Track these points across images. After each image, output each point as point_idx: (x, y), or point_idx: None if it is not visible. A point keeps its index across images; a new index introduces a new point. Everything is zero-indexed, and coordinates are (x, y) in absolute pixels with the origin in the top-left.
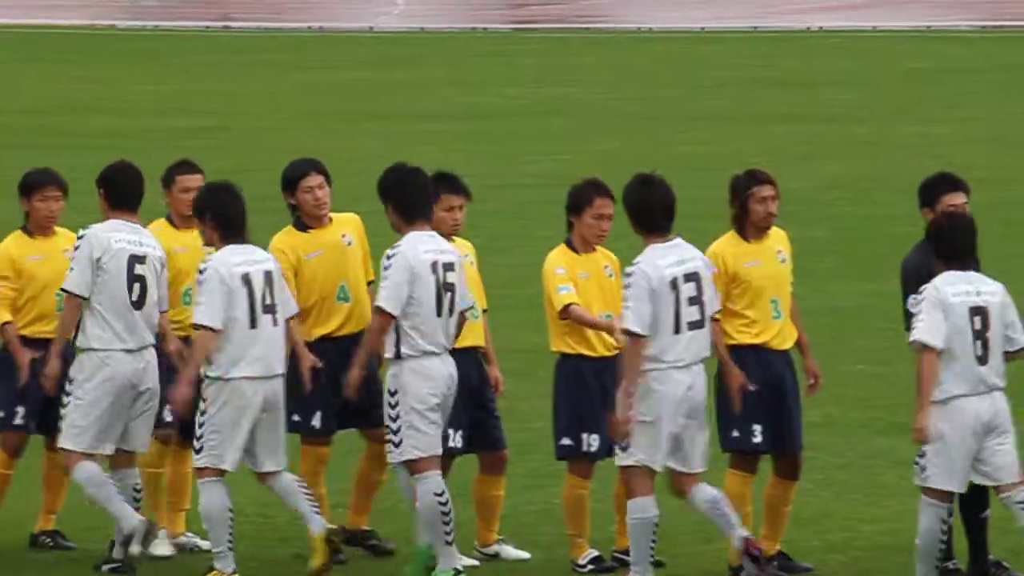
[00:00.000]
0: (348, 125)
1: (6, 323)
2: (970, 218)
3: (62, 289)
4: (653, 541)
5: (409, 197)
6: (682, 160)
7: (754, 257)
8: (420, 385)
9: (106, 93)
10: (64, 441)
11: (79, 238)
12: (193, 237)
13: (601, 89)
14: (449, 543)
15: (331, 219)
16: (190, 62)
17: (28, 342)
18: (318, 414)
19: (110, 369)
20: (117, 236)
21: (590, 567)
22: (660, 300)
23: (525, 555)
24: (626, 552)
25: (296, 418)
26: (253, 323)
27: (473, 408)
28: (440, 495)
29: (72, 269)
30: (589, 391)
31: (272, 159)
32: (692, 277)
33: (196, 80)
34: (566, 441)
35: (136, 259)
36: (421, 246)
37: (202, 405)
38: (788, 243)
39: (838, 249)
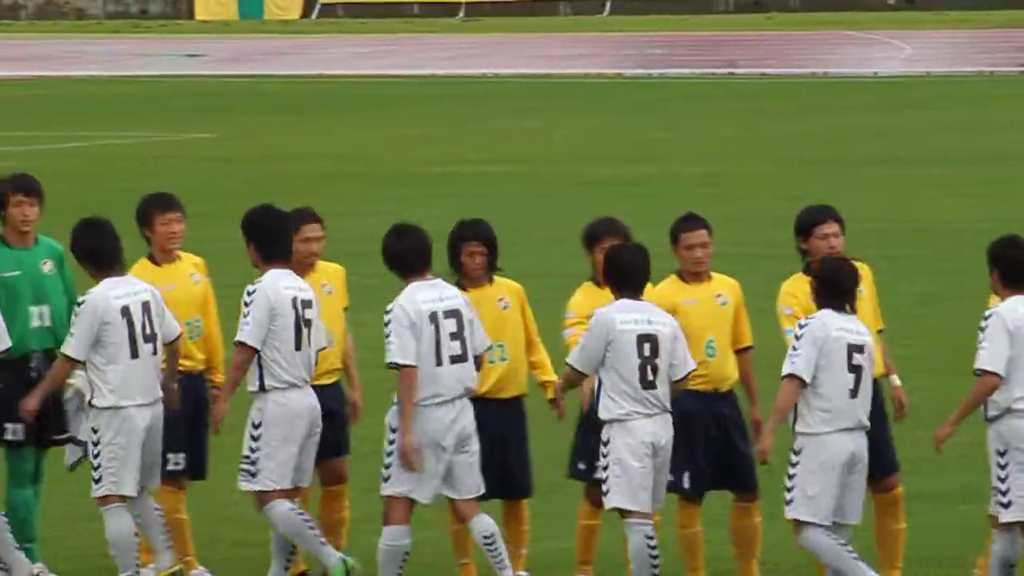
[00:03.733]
0: (847, 171)
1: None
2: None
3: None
4: (400, 569)
5: (269, 237)
6: None
7: None
8: (283, 417)
9: (613, 140)
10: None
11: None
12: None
13: None
14: (324, 543)
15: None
16: (694, 109)
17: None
18: None
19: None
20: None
21: None
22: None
23: None
24: None
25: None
26: (135, 353)
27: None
28: (292, 508)
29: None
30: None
31: (775, 206)
32: (452, 314)
33: (700, 127)
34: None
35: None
36: (281, 282)
37: (94, 436)
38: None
39: None
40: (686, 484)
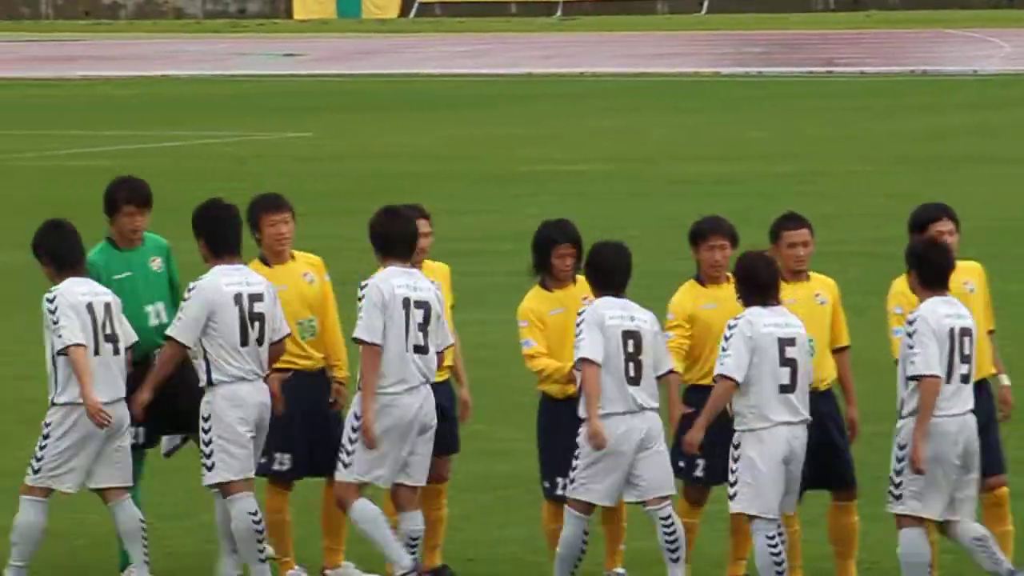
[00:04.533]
0: (947, 169)
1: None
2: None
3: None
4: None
5: (219, 232)
6: None
7: None
8: (231, 411)
9: (711, 139)
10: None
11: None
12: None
13: None
14: (263, 560)
15: None
16: (792, 107)
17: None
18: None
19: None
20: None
21: None
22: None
23: None
24: None
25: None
26: (96, 351)
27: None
28: (254, 514)
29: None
30: None
31: (874, 204)
32: (422, 304)
33: (798, 126)
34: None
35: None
36: (224, 279)
37: (46, 429)
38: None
39: None
40: None
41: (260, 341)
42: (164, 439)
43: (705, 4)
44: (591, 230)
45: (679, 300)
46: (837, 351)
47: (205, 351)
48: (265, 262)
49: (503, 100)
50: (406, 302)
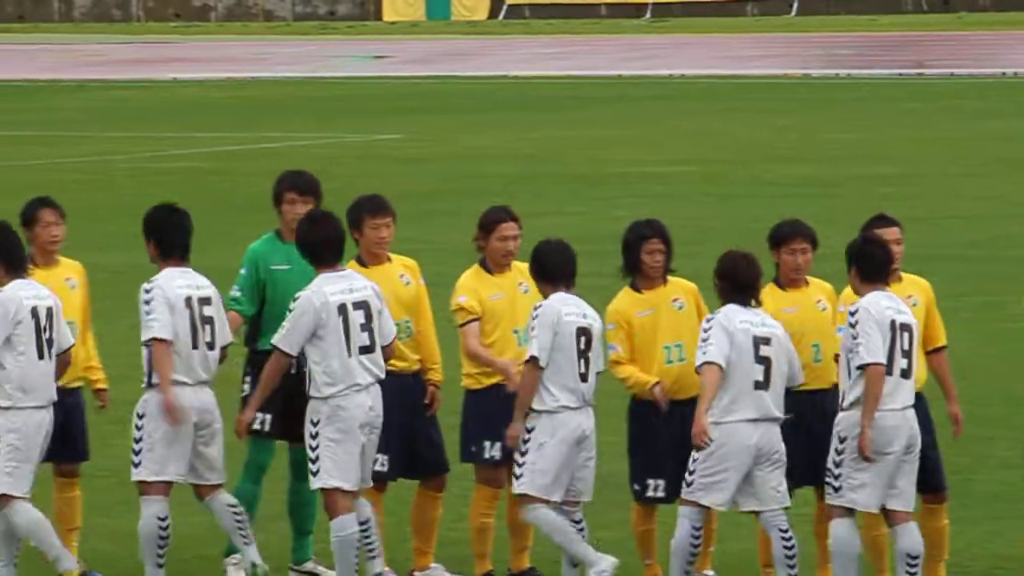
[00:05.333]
0: None
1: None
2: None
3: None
4: (358, 555)
5: (169, 235)
6: None
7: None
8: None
9: (800, 141)
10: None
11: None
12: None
13: None
14: (160, 566)
15: None
16: (881, 109)
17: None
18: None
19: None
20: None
21: None
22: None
23: None
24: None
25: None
26: (40, 355)
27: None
28: (162, 520)
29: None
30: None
31: (965, 206)
32: (361, 305)
33: (888, 127)
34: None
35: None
36: (175, 281)
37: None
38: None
39: None
40: None
41: (211, 345)
42: None
43: (795, 5)
44: (679, 231)
45: (763, 303)
46: (934, 351)
47: (148, 352)
48: (362, 263)
49: (592, 102)
50: (342, 308)
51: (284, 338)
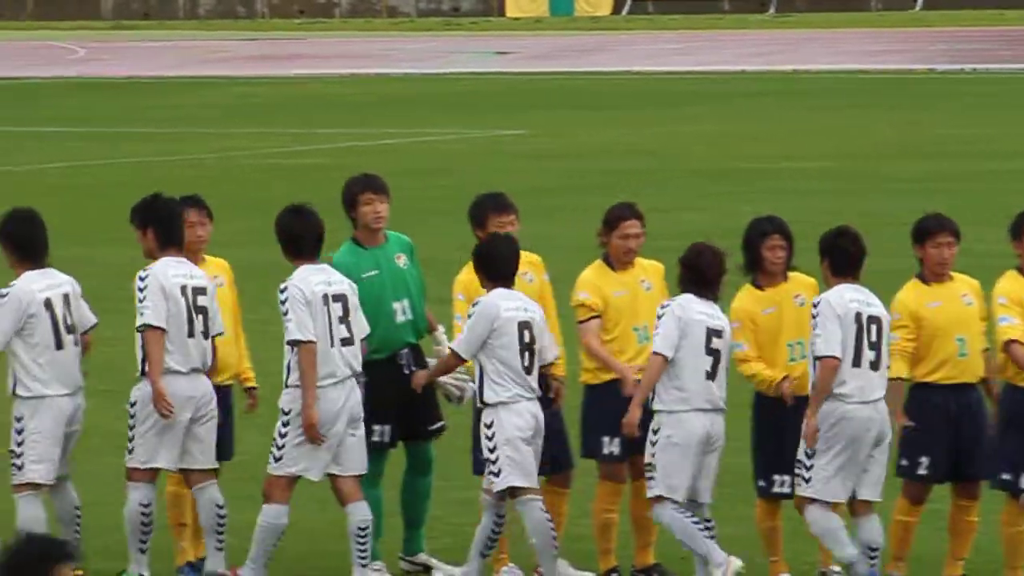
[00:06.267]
0: None
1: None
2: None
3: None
4: (275, 545)
5: (165, 225)
6: None
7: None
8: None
9: (924, 137)
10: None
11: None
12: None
13: None
14: (143, 551)
15: None
16: (1008, 104)
17: None
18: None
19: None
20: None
21: None
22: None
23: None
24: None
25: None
26: (59, 344)
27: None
28: (146, 506)
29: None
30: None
31: None
32: (339, 298)
33: (1016, 123)
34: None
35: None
36: (170, 270)
37: (17, 424)
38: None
39: None
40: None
41: (205, 334)
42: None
43: (919, 0)
44: (802, 227)
45: (903, 299)
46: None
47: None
48: None
49: (715, 97)
50: (325, 298)
51: (298, 329)
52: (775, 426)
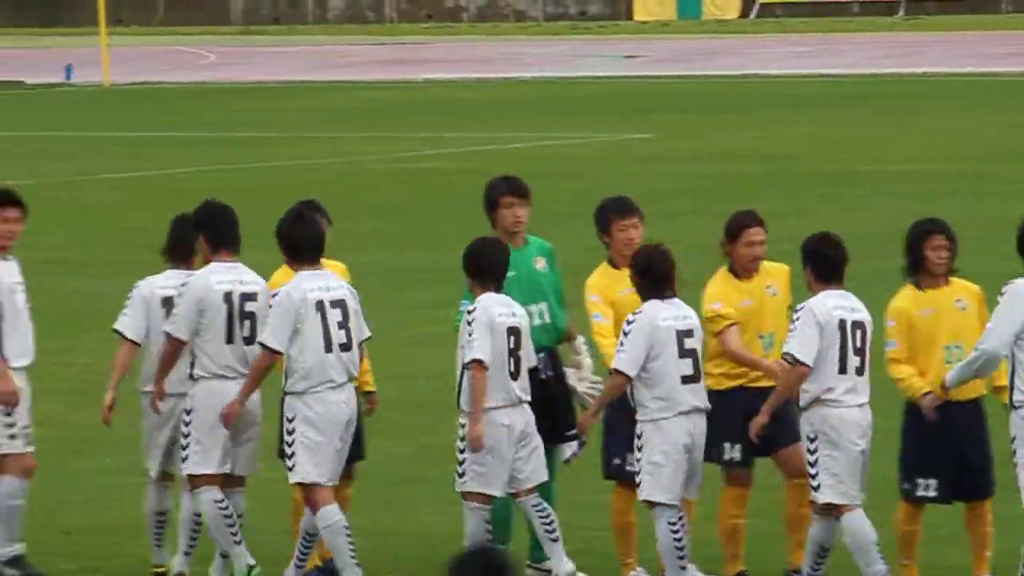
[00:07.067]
0: None
1: None
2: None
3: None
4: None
5: (218, 229)
6: None
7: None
8: (210, 405)
9: None
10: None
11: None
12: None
13: None
14: (238, 543)
15: None
16: None
17: None
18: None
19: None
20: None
21: None
22: (306, 320)
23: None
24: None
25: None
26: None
27: None
28: (220, 501)
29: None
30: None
31: None
32: (338, 303)
33: None
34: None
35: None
36: (215, 276)
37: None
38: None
39: None
40: None
41: (249, 340)
42: (564, 447)
43: None
44: None
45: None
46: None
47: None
48: (613, 265)
49: (845, 100)
50: (319, 304)
51: (272, 335)
52: (924, 429)
